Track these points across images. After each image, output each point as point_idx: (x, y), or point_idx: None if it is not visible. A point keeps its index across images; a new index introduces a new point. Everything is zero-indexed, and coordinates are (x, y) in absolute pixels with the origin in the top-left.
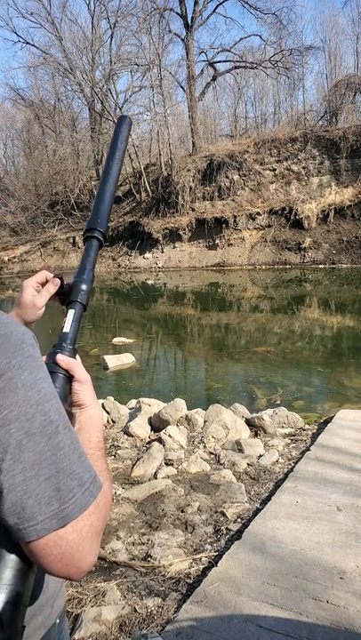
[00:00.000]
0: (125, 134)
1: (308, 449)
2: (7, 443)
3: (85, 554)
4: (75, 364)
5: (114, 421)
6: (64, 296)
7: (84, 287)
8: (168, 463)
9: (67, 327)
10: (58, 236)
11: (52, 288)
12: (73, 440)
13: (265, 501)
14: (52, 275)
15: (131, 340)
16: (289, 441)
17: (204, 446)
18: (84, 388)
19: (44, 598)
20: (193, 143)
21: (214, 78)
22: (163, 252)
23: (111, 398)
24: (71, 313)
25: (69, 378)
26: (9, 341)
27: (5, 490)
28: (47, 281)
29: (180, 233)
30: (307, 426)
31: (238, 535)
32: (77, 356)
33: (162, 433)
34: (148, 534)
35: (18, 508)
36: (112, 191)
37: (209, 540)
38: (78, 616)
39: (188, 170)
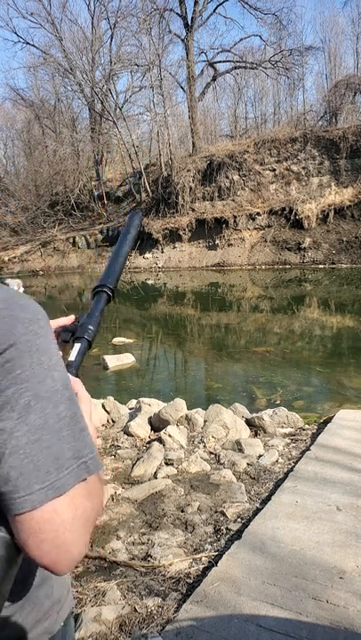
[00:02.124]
0: (138, 223)
1: (308, 449)
2: (16, 402)
3: (77, 538)
4: (78, 383)
5: (114, 421)
6: (72, 333)
7: (91, 327)
8: (168, 463)
9: (72, 357)
10: (58, 236)
11: (65, 320)
12: (77, 413)
13: (265, 501)
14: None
15: (131, 340)
16: (289, 441)
17: (204, 446)
18: (83, 406)
19: (48, 604)
20: (193, 143)
21: (214, 78)
22: (163, 252)
23: (111, 398)
24: (77, 346)
25: None
26: (27, 310)
27: (7, 451)
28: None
29: (180, 233)
30: (307, 426)
31: (238, 535)
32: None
33: (162, 433)
34: (148, 534)
35: (15, 473)
36: (123, 260)
37: (209, 540)
38: (78, 616)
39: (188, 170)
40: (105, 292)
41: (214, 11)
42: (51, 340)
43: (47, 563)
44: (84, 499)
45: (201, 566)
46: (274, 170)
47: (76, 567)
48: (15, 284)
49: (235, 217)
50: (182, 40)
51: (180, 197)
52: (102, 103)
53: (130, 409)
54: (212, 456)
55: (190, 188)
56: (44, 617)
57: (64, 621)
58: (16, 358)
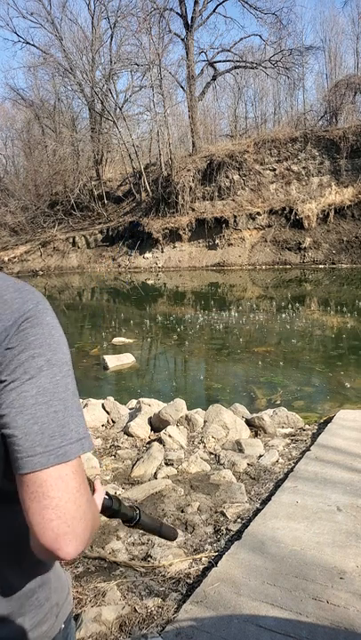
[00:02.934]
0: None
1: (308, 449)
2: (29, 365)
3: (82, 514)
4: (101, 489)
5: (114, 421)
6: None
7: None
8: (168, 463)
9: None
10: (58, 235)
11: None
12: (77, 395)
13: (265, 501)
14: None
15: (131, 340)
16: (289, 441)
17: (204, 446)
18: (97, 495)
19: (47, 607)
20: (193, 143)
21: (214, 78)
22: (163, 251)
23: (111, 398)
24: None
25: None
26: (33, 292)
27: (14, 411)
28: None
29: (180, 233)
30: (307, 426)
31: (238, 535)
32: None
33: (162, 433)
34: (149, 534)
35: (19, 433)
36: None
37: (209, 540)
38: (78, 616)
39: (188, 170)
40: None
41: (214, 10)
42: (56, 320)
43: (47, 536)
44: (84, 474)
45: (201, 567)
46: (274, 170)
47: (76, 567)
48: None
49: (235, 217)
50: (182, 40)
51: (179, 197)
52: (102, 103)
53: (130, 409)
54: (212, 456)
55: (190, 188)
56: (43, 620)
57: (64, 623)
58: (29, 328)
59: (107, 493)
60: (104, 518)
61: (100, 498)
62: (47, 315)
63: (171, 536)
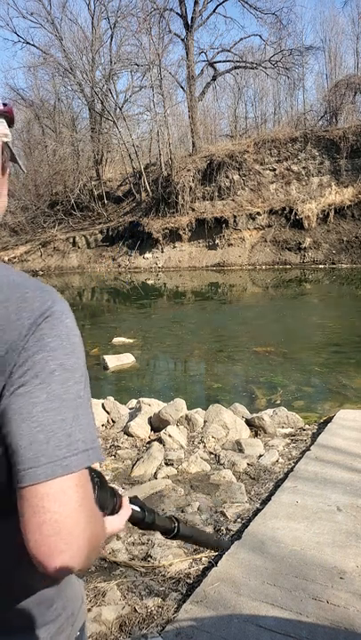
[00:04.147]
0: None
1: (308, 449)
2: (42, 368)
3: (81, 530)
4: (127, 505)
5: (114, 421)
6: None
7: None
8: (168, 463)
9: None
10: (58, 235)
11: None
12: (90, 400)
13: (265, 501)
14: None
15: (131, 340)
16: (289, 441)
17: (204, 446)
18: (122, 511)
19: (64, 615)
20: (193, 143)
21: (214, 78)
22: (163, 251)
23: (111, 398)
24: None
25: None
26: (54, 292)
27: (21, 417)
28: None
29: (180, 233)
30: (307, 426)
31: (238, 535)
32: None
33: (162, 433)
34: (148, 534)
35: (24, 442)
36: None
37: None
38: None
39: (188, 170)
40: None
41: (214, 10)
42: (75, 324)
43: (42, 552)
44: (88, 487)
45: (201, 566)
46: (274, 170)
47: None
48: None
49: (235, 217)
50: (182, 40)
51: (179, 197)
52: (102, 103)
53: (130, 409)
54: (212, 456)
55: (190, 188)
56: (60, 629)
57: (79, 631)
58: (48, 328)
59: (140, 505)
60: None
61: (125, 514)
62: (67, 317)
63: (216, 546)
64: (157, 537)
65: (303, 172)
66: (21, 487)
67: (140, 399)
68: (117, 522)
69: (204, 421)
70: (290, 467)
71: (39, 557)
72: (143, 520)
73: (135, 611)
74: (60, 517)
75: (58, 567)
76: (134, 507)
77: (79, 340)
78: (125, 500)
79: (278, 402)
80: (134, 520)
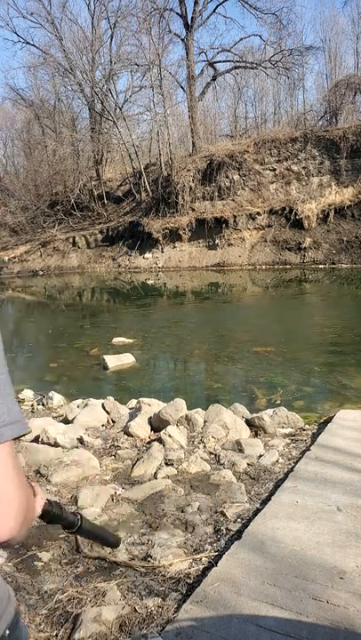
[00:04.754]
0: None
1: (308, 449)
2: None
3: (19, 494)
4: (40, 492)
5: (114, 421)
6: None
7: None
8: (168, 463)
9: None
10: (58, 235)
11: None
12: (8, 379)
13: (265, 501)
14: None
15: (131, 340)
16: (289, 441)
17: (204, 446)
18: (37, 498)
19: None
20: (193, 143)
21: (214, 78)
22: (163, 251)
23: (111, 398)
24: None
25: None
26: None
27: None
28: None
29: (180, 233)
30: (307, 426)
31: (238, 535)
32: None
33: (162, 433)
34: (148, 534)
35: None
36: None
37: (209, 540)
38: (78, 616)
39: (188, 170)
40: None
41: (214, 10)
42: None
43: None
44: (17, 458)
45: (201, 566)
46: (274, 170)
47: (76, 567)
48: None
49: (235, 217)
50: (182, 40)
51: (179, 197)
52: (102, 103)
53: (130, 409)
54: (212, 456)
55: (190, 188)
56: None
57: (8, 628)
58: None
59: (47, 499)
60: (105, 518)
61: (40, 501)
62: None
63: (113, 543)
64: (157, 537)
65: (303, 172)
66: None
67: (140, 399)
68: (37, 506)
69: (204, 421)
70: (290, 467)
71: None
72: (50, 512)
73: (135, 611)
74: None
75: (3, 528)
76: None
77: None
78: (38, 488)
79: (278, 402)
80: (43, 512)
